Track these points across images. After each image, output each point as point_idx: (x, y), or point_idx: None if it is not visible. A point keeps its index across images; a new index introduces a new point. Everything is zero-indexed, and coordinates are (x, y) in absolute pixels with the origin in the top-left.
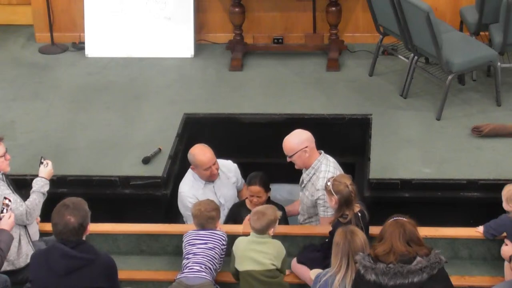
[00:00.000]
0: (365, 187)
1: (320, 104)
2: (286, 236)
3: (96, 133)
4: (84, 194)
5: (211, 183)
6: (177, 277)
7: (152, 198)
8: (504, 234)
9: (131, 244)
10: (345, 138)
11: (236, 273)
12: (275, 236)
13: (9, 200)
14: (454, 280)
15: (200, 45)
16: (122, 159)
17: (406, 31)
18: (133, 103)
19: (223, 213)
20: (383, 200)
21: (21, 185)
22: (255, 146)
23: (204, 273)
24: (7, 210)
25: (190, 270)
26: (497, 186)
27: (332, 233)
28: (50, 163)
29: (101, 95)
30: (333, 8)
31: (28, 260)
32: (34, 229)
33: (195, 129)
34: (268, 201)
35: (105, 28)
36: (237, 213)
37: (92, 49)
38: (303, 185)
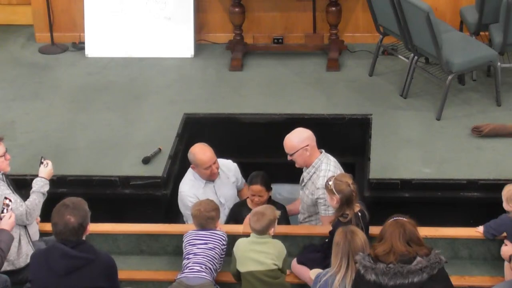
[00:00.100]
0: (365, 187)
1: (320, 104)
2: (286, 236)
3: (96, 133)
4: (84, 194)
5: (211, 182)
6: (177, 277)
7: (152, 198)
8: (504, 234)
9: (131, 244)
10: (345, 138)
11: (237, 274)
12: (275, 236)
13: (10, 200)
14: (454, 280)
15: (200, 45)
16: (122, 159)
17: (406, 31)
18: (133, 103)
19: (224, 213)
20: (383, 200)
21: (21, 185)
22: (255, 146)
23: (204, 273)
24: (7, 210)
25: (191, 270)
26: (497, 186)
27: (332, 233)
28: (50, 163)
29: (101, 95)
30: (333, 8)
31: (28, 260)
32: (34, 229)
33: (195, 129)
34: (269, 200)
35: (105, 28)
36: (238, 213)
37: (92, 49)
38: (303, 184)
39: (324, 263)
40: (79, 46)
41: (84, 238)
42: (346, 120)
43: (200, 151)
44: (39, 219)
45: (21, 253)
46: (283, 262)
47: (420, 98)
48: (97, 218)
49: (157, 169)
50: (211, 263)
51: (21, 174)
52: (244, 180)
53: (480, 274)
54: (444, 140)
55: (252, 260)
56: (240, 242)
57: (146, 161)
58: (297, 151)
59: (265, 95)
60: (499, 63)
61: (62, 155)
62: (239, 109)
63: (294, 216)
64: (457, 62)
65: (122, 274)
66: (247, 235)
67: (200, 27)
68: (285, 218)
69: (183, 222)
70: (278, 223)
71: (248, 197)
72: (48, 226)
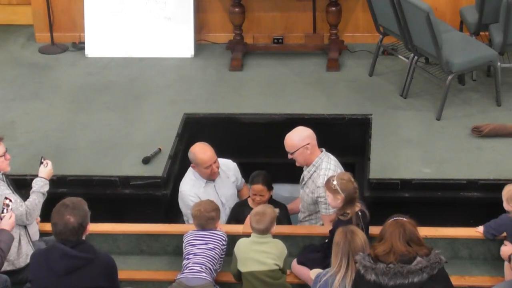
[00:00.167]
0: (365, 187)
1: (320, 104)
2: (286, 236)
3: (96, 133)
4: (84, 194)
5: (212, 182)
6: (177, 277)
7: (152, 198)
8: (504, 234)
9: (131, 244)
10: (345, 138)
11: (238, 274)
12: (275, 236)
13: (10, 200)
14: (454, 280)
15: (200, 45)
16: (122, 159)
17: (406, 31)
18: (133, 103)
19: (225, 213)
20: (383, 200)
21: (21, 185)
22: (255, 146)
23: (204, 274)
24: (7, 210)
25: (191, 271)
26: (497, 186)
27: (332, 232)
28: (50, 163)
29: (101, 95)
30: (333, 8)
31: (28, 260)
32: (34, 229)
33: (195, 129)
34: (271, 200)
35: (105, 28)
36: (239, 212)
37: (92, 49)
38: (303, 182)
39: (324, 263)
40: (79, 46)
41: (84, 238)
42: (346, 120)
43: (201, 150)
44: (39, 219)
45: (21, 253)
46: (284, 262)
47: (420, 98)
48: (97, 218)
49: (157, 169)
50: (211, 263)
51: (21, 174)
52: (243, 180)
53: (480, 274)
54: (444, 140)
55: (253, 260)
56: (241, 242)
57: (146, 161)
58: (297, 150)
59: (265, 95)
60: (499, 63)
61: (62, 155)
62: (239, 109)
63: (294, 215)
64: (457, 62)
65: (122, 274)
66: (248, 235)
67: (200, 27)
68: (287, 217)
69: (183, 222)
70: (280, 223)
71: (249, 197)
72: (48, 226)
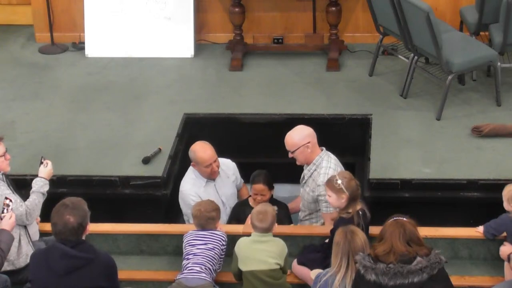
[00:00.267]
0: (365, 187)
1: (320, 104)
2: (286, 236)
3: (96, 133)
4: (84, 194)
5: (212, 181)
6: (177, 277)
7: (152, 198)
8: (504, 234)
9: (131, 244)
10: (345, 138)
11: (238, 274)
12: (275, 235)
13: (10, 200)
14: (454, 280)
15: (200, 45)
16: (122, 159)
17: (406, 31)
18: (133, 103)
19: (226, 212)
20: (383, 200)
21: (21, 185)
22: (255, 146)
23: (204, 274)
24: (7, 210)
25: (190, 271)
26: (497, 186)
27: (333, 232)
28: (49, 163)
29: (101, 95)
30: (333, 8)
31: (28, 260)
32: (34, 229)
33: (195, 129)
34: (272, 199)
35: (105, 28)
36: (240, 212)
37: (92, 49)
38: (304, 181)
39: (325, 263)
40: (79, 46)
41: (84, 238)
42: (346, 120)
43: (201, 149)
44: (39, 219)
45: (21, 253)
46: (284, 260)
47: (420, 98)
48: (97, 218)
49: (157, 169)
50: (211, 263)
51: (21, 174)
52: (242, 180)
53: (480, 274)
54: (444, 140)
55: (254, 259)
56: (241, 241)
57: (146, 161)
58: (298, 148)
59: (265, 95)
60: (499, 63)
61: (62, 155)
62: (239, 109)
63: (294, 214)
64: (457, 62)
65: (122, 274)
66: (248, 235)
67: (200, 27)
68: (288, 217)
69: (183, 222)
70: (282, 223)
71: (249, 196)
72: (48, 226)
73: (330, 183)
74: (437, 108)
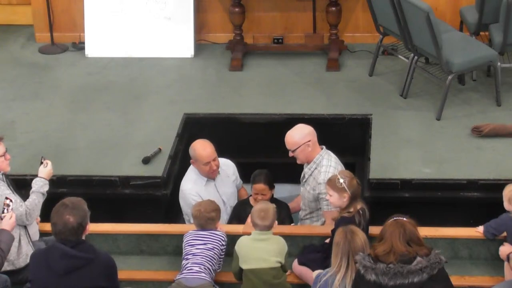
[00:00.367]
0: (365, 187)
1: (320, 104)
2: (286, 236)
3: (96, 133)
4: (84, 194)
5: (212, 180)
6: (177, 277)
7: (152, 198)
8: (504, 234)
9: (131, 244)
10: (345, 138)
11: (239, 273)
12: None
13: (10, 200)
14: (454, 280)
15: (200, 45)
16: (122, 159)
17: (406, 31)
18: (133, 103)
19: (226, 212)
20: (383, 200)
21: (21, 185)
22: (255, 146)
23: (203, 274)
24: (7, 210)
25: (190, 271)
26: (497, 186)
27: (335, 231)
28: (49, 163)
29: (101, 95)
30: (333, 8)
31: (28, 260)
32: (34, 229)
33: (195, 129)
34: (273, 198)
35: (105, 28)
36: (241, 211)
37: (92, 49)
38: (304, 180)
39: (325, 263)
40: (79, 46)
41: (84, 238)
42: (346, 120)
43: (201, 147)
44: (39, 219)
45: (21, 253)
46: (284, 258)
47: (420, 98)
48: (97, 218)
49: (157, 169)
50: (210, 263)
51: (21, 174)
52: (241, 181)
53: (480, 274)
54: (444, 140)
55: (255, 257)
56: (242, 240)
57: (146, 161)
58: (299, 147)
59: (265, 95)
60: (499, 63)
61: (62, 155)
62: (239, 109)
63: (295, 213)
64: (457, 62)
65: (122, 274)
66: (248, 235)
67: (200, 27)
68: (289, 216)
69: (183, 222)
70: (283, 222)
71: (250, 195)
72: (48, 226)
73: (331, 182)
74: (437, 108)
